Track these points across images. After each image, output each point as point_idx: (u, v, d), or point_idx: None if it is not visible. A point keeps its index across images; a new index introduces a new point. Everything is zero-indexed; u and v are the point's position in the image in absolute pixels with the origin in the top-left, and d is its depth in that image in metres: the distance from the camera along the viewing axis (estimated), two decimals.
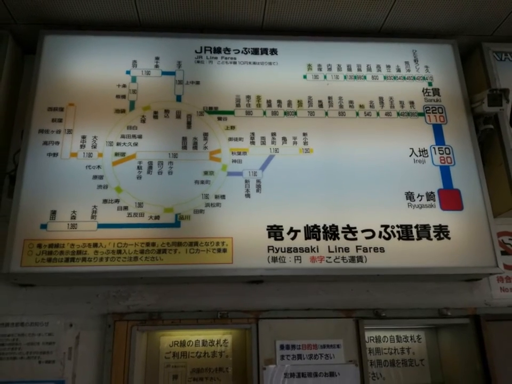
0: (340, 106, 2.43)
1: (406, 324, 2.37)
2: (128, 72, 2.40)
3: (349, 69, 2.52)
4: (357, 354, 2.14)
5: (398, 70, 2.54)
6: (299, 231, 2.18)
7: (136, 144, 2.27)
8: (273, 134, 2.35)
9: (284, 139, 2.34)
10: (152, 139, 2.29)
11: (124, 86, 2.37)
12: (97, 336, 2.15)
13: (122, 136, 2.28)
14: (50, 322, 2.16)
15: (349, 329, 2.18)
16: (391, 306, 2.27)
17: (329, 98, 2.45)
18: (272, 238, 2.16)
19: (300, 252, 2.15)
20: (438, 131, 2.44)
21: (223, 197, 2.21)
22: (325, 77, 2.49)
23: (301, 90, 2.45)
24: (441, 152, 2.39)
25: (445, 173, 2.35)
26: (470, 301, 2.34)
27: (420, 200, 2.28)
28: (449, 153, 2.39)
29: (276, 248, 2.14)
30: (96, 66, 2.40)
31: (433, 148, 2.40)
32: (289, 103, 2.41)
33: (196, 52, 2.48)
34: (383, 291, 2.32)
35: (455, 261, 2.19)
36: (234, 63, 2.48)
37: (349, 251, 2.16)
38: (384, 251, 2.17)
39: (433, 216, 2.26)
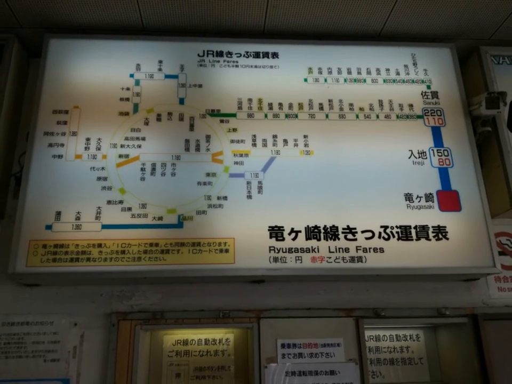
0: (340, 109, 2.46)
1: (405, 323, 2.38)
2: (131, 76, 2.43)
3: (349, 72, 2.55)
4: (356, 353, 2.15)
5: (397, 73, 2.57)
6: (300, 231, 2.21)
7: (139, 146, 2.30)
8: (275, 136, 2.38)
9: (285, 141, 2.37)
10: (156, 141, 2.32)
11: (128, 89, 2.40)
12: (101, 335, 2.17)
13: (126, 139, 2.31)
14: (55, 321, 2.17)
15: (349, 328, 2.20)
16: (390, 306, 2.29)
17: (330, 101, 2.48)
18: (274, 239, 2.18)
19: (301, 252, 2.17)
20: (436, 133, 2.46)
21: (225, 198, 2.24)
22: (326, 80, 2.52)
23: (302, 93, 2.47)
24: (439, 154, 2.42)
25: (444, 174, 2.38)
26: (468, 300, 2.36)
27: (419, 201, 2.31)
28: (448, 155, 2.42)
29: (277, 249, 2.17)
30: (100, 69, 2.42)
31: (432, 150, 2.43)
32: (290, 106, 2.44)
33: (198, 55, 2.51)
34: (382, 291, 2.34)
35: (453, 261, 2.21)
36: (236, 66, 2.51)
37: (349, 251, 2.18)
38: (383, 251, 2.20)
39: (432, 217, 2.29)
